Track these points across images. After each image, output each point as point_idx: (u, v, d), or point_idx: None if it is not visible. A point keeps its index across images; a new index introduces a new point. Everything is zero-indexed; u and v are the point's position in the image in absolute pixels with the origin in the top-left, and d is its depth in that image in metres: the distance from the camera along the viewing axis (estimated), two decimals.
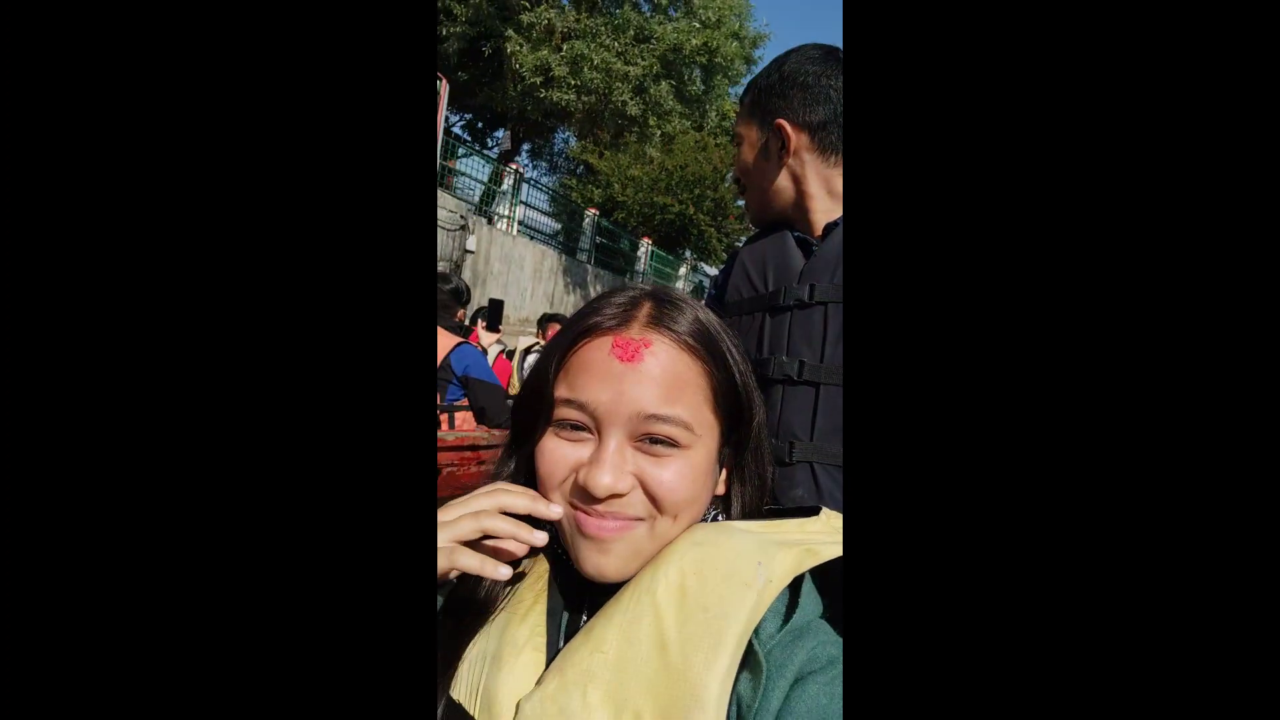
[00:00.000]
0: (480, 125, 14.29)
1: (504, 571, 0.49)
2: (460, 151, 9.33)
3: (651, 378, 0.50)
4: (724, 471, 0.57)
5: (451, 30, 9.08)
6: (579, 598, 0.54)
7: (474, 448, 2.68)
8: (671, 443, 0.51)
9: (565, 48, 8.89)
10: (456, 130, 13.72)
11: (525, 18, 8.79)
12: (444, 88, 6.84)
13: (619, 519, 0.51)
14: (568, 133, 14.57)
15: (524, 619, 0.52)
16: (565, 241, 11.54)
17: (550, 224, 11.50)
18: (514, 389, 3.84)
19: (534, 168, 16.92)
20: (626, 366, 0.51)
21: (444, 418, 2.82)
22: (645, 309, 0.53)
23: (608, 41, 8.96)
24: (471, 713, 0.48)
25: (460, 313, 3.09)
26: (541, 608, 0.53)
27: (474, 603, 0.54)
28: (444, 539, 0.49)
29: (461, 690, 0.50)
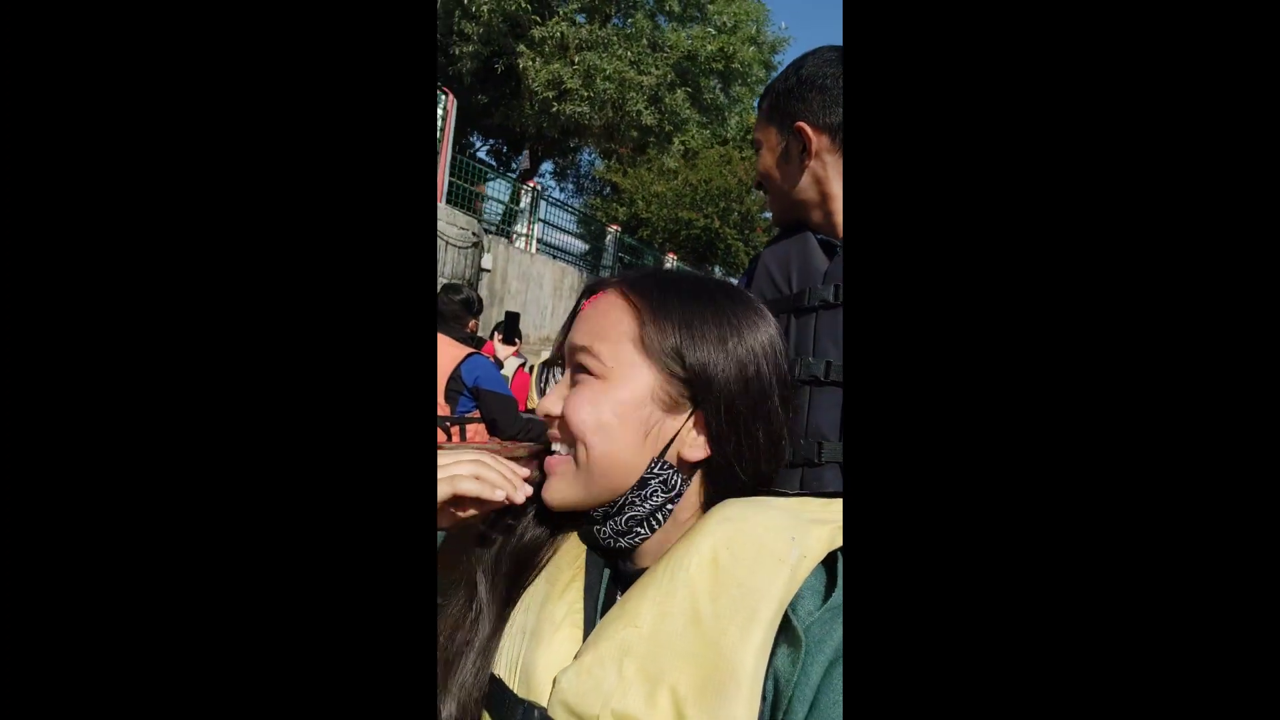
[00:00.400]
0: (505, 150, 14.32)
1: (499, 495, 0.53)
2: (489, 176, 9.29)
3: (588, 319, 0.56)
4: (701, 437, 0.55)
5: (464, 50, 9.02)
6: (616, 575, 0.56)
7: None
8: (589, 373, 0.54)
9: (578, 60, 8.72)
10: (482, 155, 13.77)
11: (537, 32, 8.65)
12: (451, 103, 6.71)
13: (560, 449, 0.55)
14: (593, 155, 14.57)
15: (562, 596, 0.54)
16: (592, 260, 11.44)
17: (578, 245, 11.37)
18: (533, 403, 3.75)
19: (560, 190, 16.97)
20: (580, 314, 0.58)
21: (455, 430, 2.78)
22: (623, 276, 0.58)
23: (620, 51, 8.77)
24: (511, 687, 0.50)
25: (472, 324, 2.96)
26: (579, 585, 0.54)
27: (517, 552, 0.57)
28: (442, 473, 0.53)
29: (503, 665, 0.52)
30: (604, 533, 0.54)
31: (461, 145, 9.96)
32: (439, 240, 6.28)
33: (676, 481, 0.54)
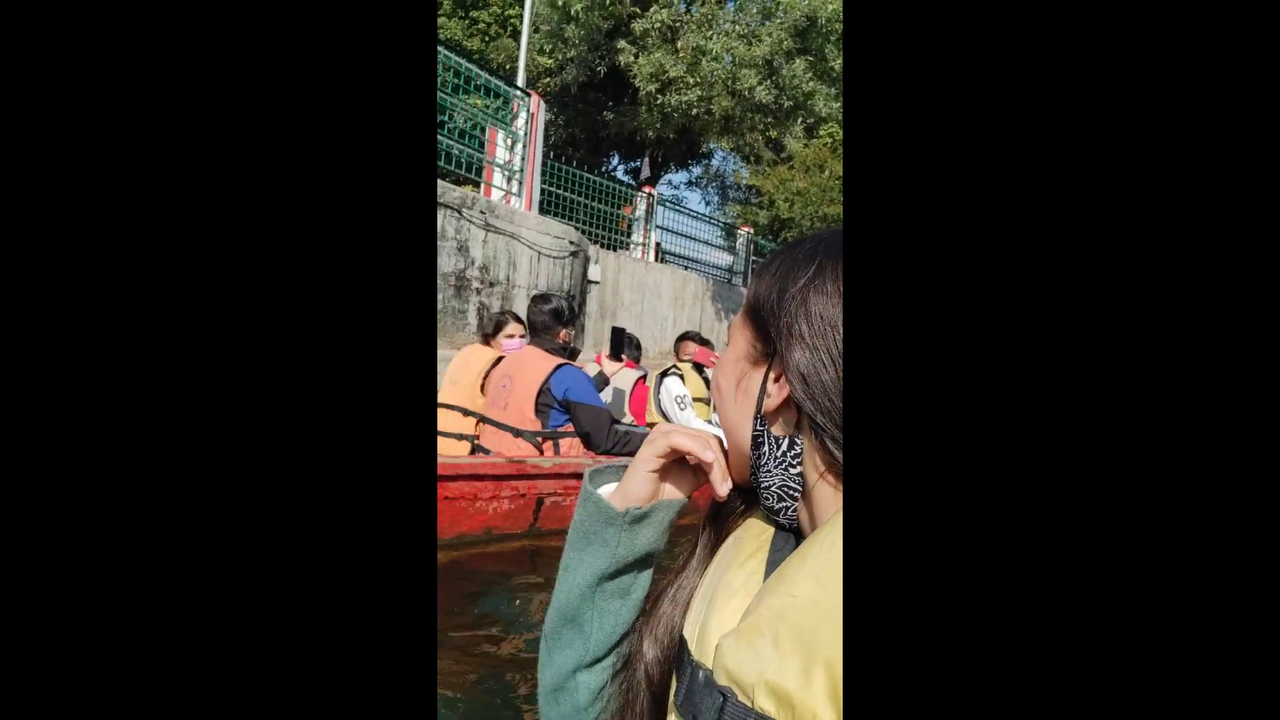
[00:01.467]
0: (638, 165, 13.89)
1: (709, 456, 0.55)
2: (629, 195, 8.84)
3: None
4: (775, 386, 0.53)
5: (567, 56, 8.56)
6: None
7: (578, 475, 2.53)
8: None
9: (681, 43, 7.88)
10: (620, 175, 13.45)
11: (637, 26, 7.96)
12: (537, 104, 6.19)
13: None
14: (736, 163, 13.68)
15: (743, 566, 0.53)
16: (726, 267, 10.57)
17: (704, 251, 10.53)
18: (651, 416, 3.63)
19: (704, 201, 16.28)
20: None
21: (548, 445, 2.72)
22: None
23: (728, 26, 7.80)
24: (691, 649, 0.50)
25: (564, 334, 2.89)
26: (762, 555, 0.54)
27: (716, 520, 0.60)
28: (667, 430, 0.56)
29: (690, 627, 0.52)
30: (764, 509, 0.55)
31: (601, 169, 9.54)
32: (532, 251, 5.79)
33: (784, 441, 0.52)
